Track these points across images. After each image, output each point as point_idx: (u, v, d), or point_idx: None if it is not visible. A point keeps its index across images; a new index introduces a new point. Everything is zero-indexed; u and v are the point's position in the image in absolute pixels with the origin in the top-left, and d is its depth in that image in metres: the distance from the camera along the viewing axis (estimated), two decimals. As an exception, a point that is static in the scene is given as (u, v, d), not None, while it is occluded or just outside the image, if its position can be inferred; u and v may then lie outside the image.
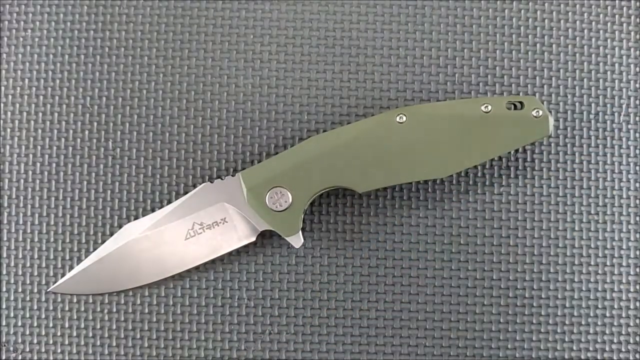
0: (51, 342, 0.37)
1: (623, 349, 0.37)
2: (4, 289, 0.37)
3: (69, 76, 0.38)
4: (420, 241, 0.37)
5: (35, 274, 0.37)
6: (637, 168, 0.38)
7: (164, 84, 0.38)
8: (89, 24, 0.38)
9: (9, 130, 0.38)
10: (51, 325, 0.37)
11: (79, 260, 0.37)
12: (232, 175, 0.35)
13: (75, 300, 0.37)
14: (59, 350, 0.37)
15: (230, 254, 0.36)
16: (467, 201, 0.38)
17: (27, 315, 0.37)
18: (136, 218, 0.37)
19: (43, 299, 0.37)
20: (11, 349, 0.37)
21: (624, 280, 0.37)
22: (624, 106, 0.38)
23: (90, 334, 0.37)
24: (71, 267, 0.37)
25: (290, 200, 0.34)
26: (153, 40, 0.38)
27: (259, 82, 0.38)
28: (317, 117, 0.38)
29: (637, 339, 0.37)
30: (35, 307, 0.37)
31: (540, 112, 0.35)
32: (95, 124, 0.38)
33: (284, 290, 0.37)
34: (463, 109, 0.35)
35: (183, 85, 0.38)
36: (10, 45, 0.38)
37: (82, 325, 0.37)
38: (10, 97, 0.38)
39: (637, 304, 0.37)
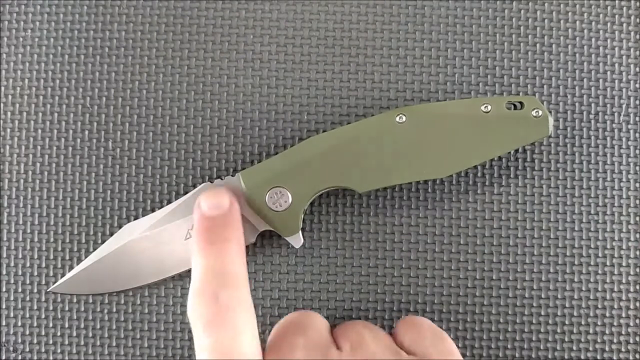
0: (51, 342, 0.37)
1: (623, 349, 0.37)
2: (4, 289, 0.37)
3: (69, 76, 0.38)
4: (419, 241, 0.37)
5: (35, 274, 0.37)
6: (637, 168, 0.38)
7: (164, 84, 0.38)
8: (89, 24, 0.38)
9: (9, 130, 0.38)
10: (51, 325, 0.37)
11: (79, 260, 0.37)
12: (232, 175, 0.35)
13: (75, 300, 0.37)
14: (58, 350, 0.37)
15: (230, 254, 0.36)
16: (467, 201, 0.38)
17: (27, 315, 0.37)
18: (136, 218, 0.37)
19: (43, 299, 0.37)
20: (11, 349, 0.37)
21: (623, 280, 0.37)
22: (624, 106, 0.38)
23: (90, 334, 0.37)
24: (71, 267, 0.37)
25: (290, 200, 0.34)
26: (153, 40, 0.38)
27: (259, 82, 0.38)
28: (317, 117, 0.38)
29: (637, 339, 0.37)
30: (35, 307, 0.37)
31: (540, 112, 0.35)
32: (95, 124, 0.38)
33: (284, 290, 0.37)
34: (463, 109, 0.35)
35: (183, 85, 0.38)
36: (10, 45, 0.38)
37: (82, 325, 0.37)
38: (10, 97, 0.38)
39: (637, 304, 0.37)
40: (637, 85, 0.38)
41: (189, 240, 0.35)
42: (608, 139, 0.38)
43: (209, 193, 0.32)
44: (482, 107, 0.35)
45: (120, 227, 0.37)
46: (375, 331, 0.32)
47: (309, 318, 0.32)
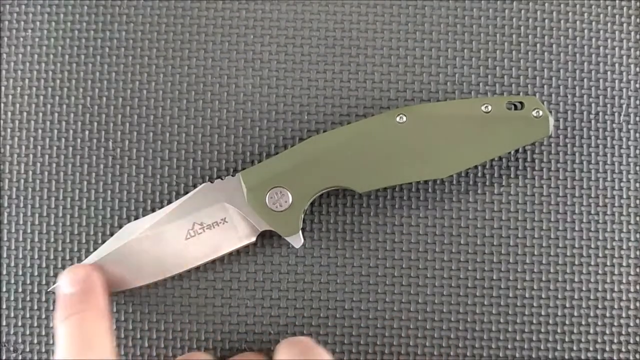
0: (51, 342, 0.37)
1: (623, 349, 0.37)
2: (4, 289, 0.37)
3: (69, 76, 0.38)
4: (420, 241, 0.37)
5: (35, 274, 0.37)
6: (637, 168, 0.38)
7: (164, 84, 0.38)
8: (89, 24, 0.38)
9: (9, 130, 0.38)
10: (51, 325, 0.37)
11: (79, 260, 0.37)
12: (232, 175, 0.35)
13: (75, 300, 0.37)
14: (59, 350, 0.37)
15: (230, 254, 0.36)
16: (467, 201, 0.38)
17: (27, 315, 0.37)
18: (136, 218, 0.37)
19: (43, 299, 0.37)
20: (11, 349, 0.37)
21: (624, 280, 0.37)
22: (624, 106, 0.38)
23: (90, 334, 0.37)
24: (71, 267, 0.37)
25: (290, 200, 0.34)
26: (153, 40, 0.38)
27: (259, 82, 0.38)
28: (317, 117, 0.38)
29: (637, 339, 0.37)
30: (35, 307, 0.37)
31: (541, 112, 0.35)
32: (95, 124, 0.38)
33: (284, 290, 0.37)
34: (463, 109, 0.35)
35: (183, 85, 0.38)
36: (10, 45, 0.38)
37: (82, 325, 0.37)
38: (10, 97, 0.38)
39: (637, 304, 0.37)
40: (637, 85, 0.38)
41: (189, 240, 0.35)
42: (608, 139, 0.38)
43: (65, 272, 0.34)
44: (483, 107, 0.35)
45: (120, 227, 0.37)
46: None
47: None
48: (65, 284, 0.33)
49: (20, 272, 0.37)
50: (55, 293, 0.34)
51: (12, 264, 0.37)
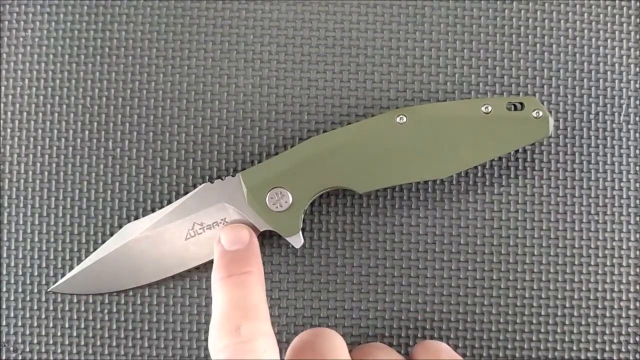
0: (51, 342, 0.37)
1: (623, 349, 0.37)
2: (4, 289, 0.37)
3: (69, 76, 0.38)
4: (420, 241, 0.37)
5: (35, 274, 0.37)
6: (637, 168, 0.38)
7: (164, 84, 0.38)
8: (89, 24, 0.38)
9: (9, 130, 0.38)
10: (51, 325, 0.37)
11: (79, 260, 0.37)
12: (232, 176, 0.35)
13: (75, 300, 0.37)
14: (59, 350, 0.37)
15: (230, 254, 0.36)
16: (467, 201, 0.38)
17: (27, 315, 0.37)
18: (136, 218, 0.37)
19: (43, 299, 0.37)
20: (11, 349, 0.37)
21: (624, 280, 0.37)
22: (624, 106, 0.38)
23: (90, 334, 0.37)
24: (71, 267, 0.37)
25: (291, 200, 0.34)
26: (153, 40, 0.38)
27: (259, 82, 0.38)
28: (317, 117, 0.38)
29: (637, 339, 0.37)
30: (35, 307, 0.37)
31: (541, 113, 0.35)
32: (95, 124, 0.38)
33: (284, 290, 0.37)
34: (463, 110, 0.35)
35: (183, 85, 0.38)
36: (10, 45, 0.38)
37: (82, 325, 0.37)
38: (10, 97, 0.38)
39: (637, 304, 0.37)
40: (637, 85, 0.38)
41: (189, 241, 0.35)
42: (608, 139, 0.38)
43: (229, 228, 0.33)
44: (483, 108, 0.35)
45: (120, 227, 0.37)
46: (391, 354, 0.32)
47: (327, 339, 0.31)
48: (230, 241, 0.32)
49: (20, 272, 0.37)
50: (215, 249, 0.33)
51: (12, 264, 0.37)
